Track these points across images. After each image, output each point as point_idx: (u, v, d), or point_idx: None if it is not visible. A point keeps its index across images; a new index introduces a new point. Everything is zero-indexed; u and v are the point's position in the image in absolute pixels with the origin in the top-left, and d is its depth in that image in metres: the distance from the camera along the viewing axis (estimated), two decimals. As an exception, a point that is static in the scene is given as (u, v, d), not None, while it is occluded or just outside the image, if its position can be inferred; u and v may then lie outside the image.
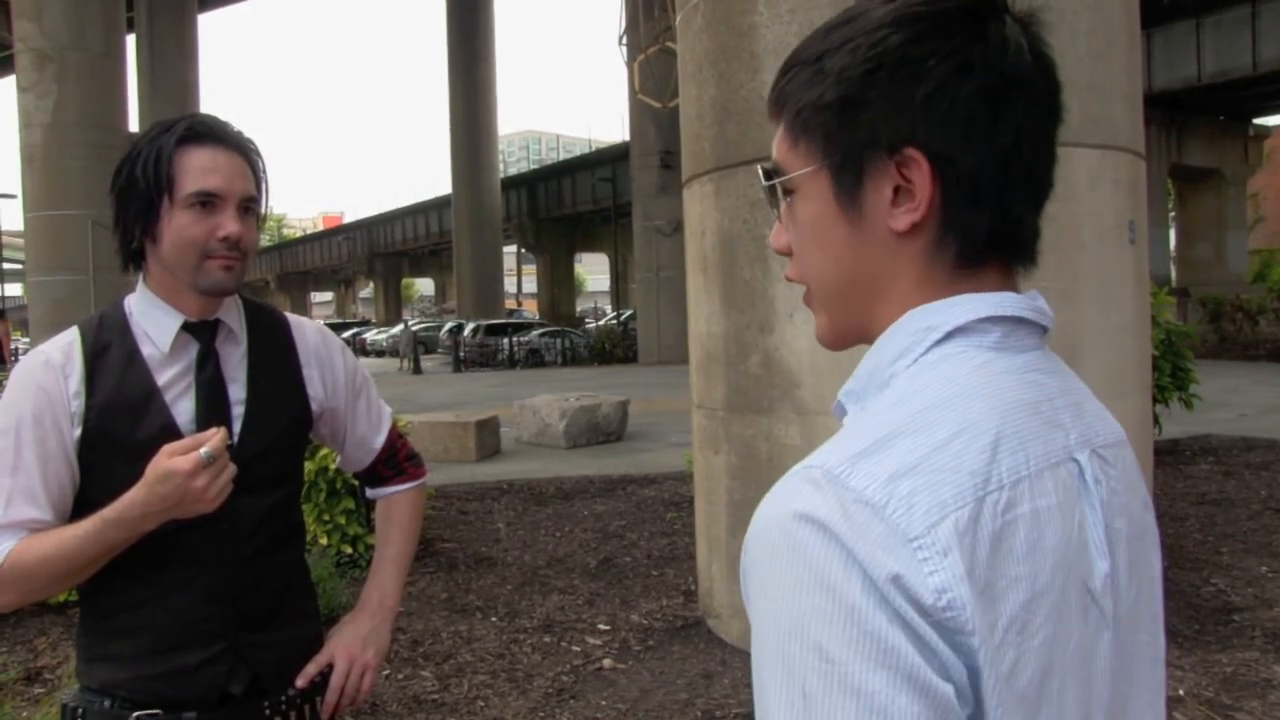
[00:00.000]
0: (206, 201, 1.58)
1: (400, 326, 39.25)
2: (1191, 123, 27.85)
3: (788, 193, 0.83)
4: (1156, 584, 0.84)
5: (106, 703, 1.62)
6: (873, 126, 0.76)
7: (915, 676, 0.62)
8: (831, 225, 0.80)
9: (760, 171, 0.86)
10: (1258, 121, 31.02)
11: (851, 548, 0.64)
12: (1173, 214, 31.52)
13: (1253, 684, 3.94)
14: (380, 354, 38.72)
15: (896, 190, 0.76)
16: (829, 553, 0.64)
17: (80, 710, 1.64)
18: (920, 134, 0.75)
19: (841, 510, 0.65)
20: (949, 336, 0.76)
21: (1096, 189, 4.15)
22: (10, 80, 24.76)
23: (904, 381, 0.76)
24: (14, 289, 55.83)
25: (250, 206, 1.64)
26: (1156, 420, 7.01)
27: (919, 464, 0.67)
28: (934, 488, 0.66)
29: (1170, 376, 8.04)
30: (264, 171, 1.69)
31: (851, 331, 0.84)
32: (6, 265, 41.34)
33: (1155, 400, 7.13)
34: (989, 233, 0.77)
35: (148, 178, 1.56)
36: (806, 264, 0.84)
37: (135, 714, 1.60)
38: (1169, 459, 8.70)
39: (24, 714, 3.76)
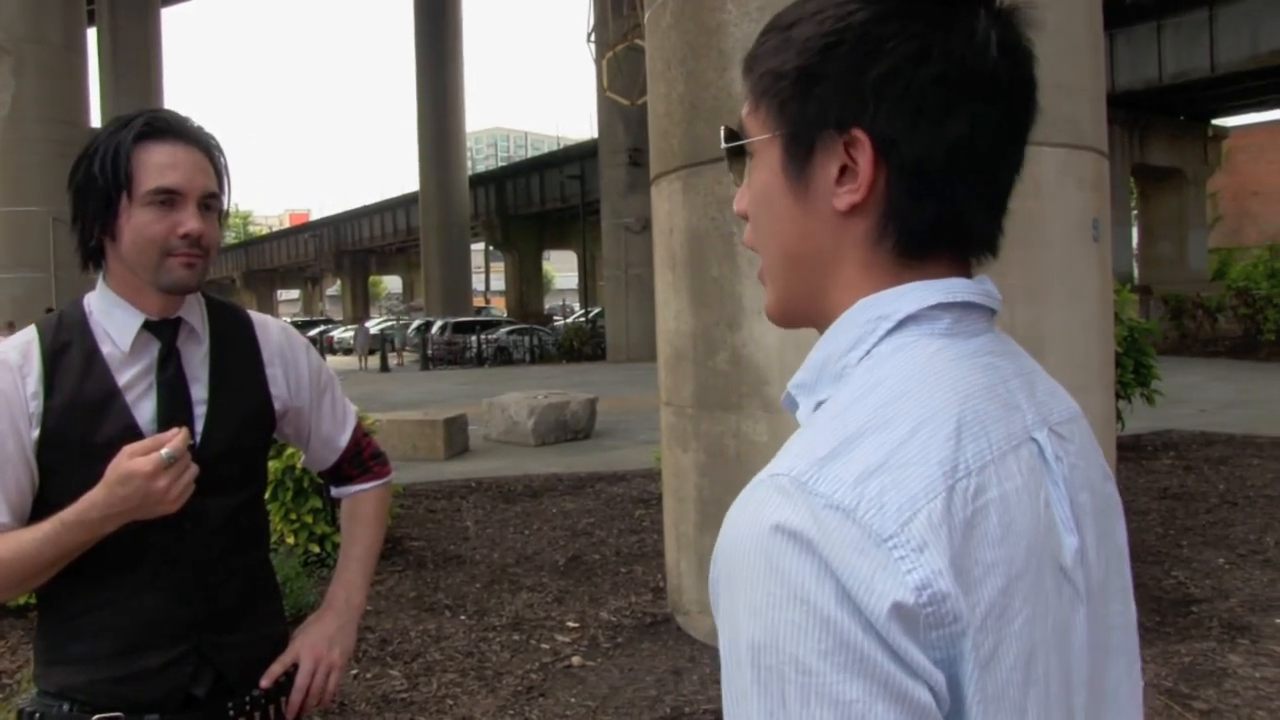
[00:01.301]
0: (166, 199, 1.55)
1: (357, 325, 39.38)
2: (1153, 123, 28.22)
3: (749, 156, 0.82)
4: (1124, 554, 0.85)
5: (66, 706, 1.60)
6: (824, 101, 0.75)
7: (891, 684, 0.62)
8: (779, 196, 0.79)
9: (722, 130, 0.85)
10: (1216, 122, 31.49)
11: (825, 557, 0.63)
12: (1135, 212, 31.89)
13: (1209, 673, 4.00)
14: (348, 351, 38.49)
15: (843, 170, 0.75)
16: (801, 563, 0.63)
17: (38, 715, 1.61)
18: (868, 116, 0.73)
19: (812, 518, 0.64)
20: (900, 325, 0.75)
21: (1062, 187, 4.19)
22: (-32, 74, 24.35)
23: (860, 375, 0.74)
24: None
25: (211, 203, 1.62)
26: (1119, 416, 7.09)
27: (885, 461, 0.66)
28: (902, 483, 0.66)
29: (1133, 373, 8.14)
30: (225, 167, 1.67)
31: (798, 309, 0.83)
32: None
33: (1118, 396, 7.22)
34: (932, 226, 0.75)
35: (106, 175, 1.54)
36: (758, 230, 0.83)
37: (95, 717, 1.58)
38: (1131, 454, 8.81)
39: (-17, 718, 3.71)
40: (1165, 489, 7.55)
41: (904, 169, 0.74)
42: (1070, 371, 4.15)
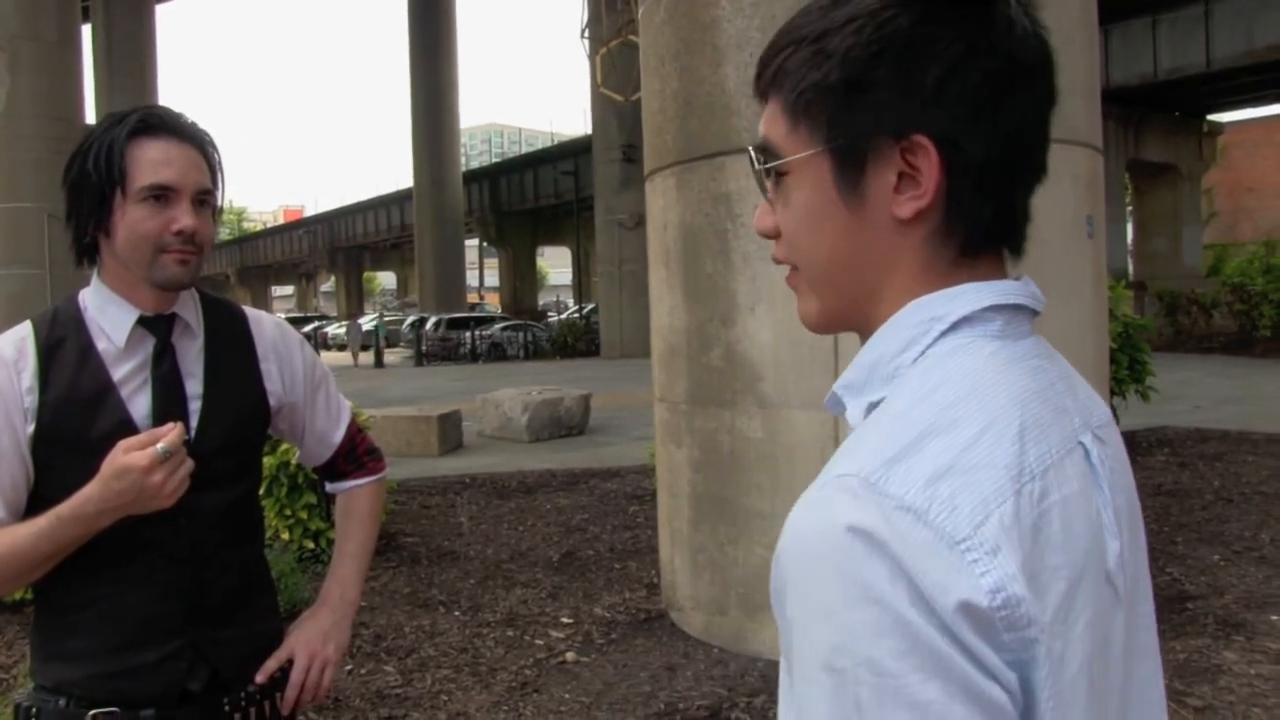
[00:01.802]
0: (160, 195, 1.56)
1: (349, 321, 39.48)
2: (1148, 118, 28.24)
3: (780, 175, 0.81)
4: (1146, 554, 0.85)
5: (62, 701, 1.60)
6: (878, 110, 0.74)
7: (969, 684, 0.61)
8: (829, 210, 0.78)
9: (751, 152, 0.83)
10: (1212, 118, 31.50)
11: (898, 557, 0.62)
12: (1130, 209, 31.94)
13: (1204, 670, 4.01)
14: (343, 347, 38.50)
15: (900, 177, 0.74)
16: (875, 564, 0.62)
17: (35, 710, 1.61)
18: (928, 119, 0.73)
19: (884, 519, 0.63)
20: (954, 327, 0.75)
21: (1056, 184, 4.18)
22: (-39, 70, 24.28)
23: (917, 376, 0.74)
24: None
25: (205, 199, 1.62)
26: (1114, 412, 7.10)
27: (954, 463, 0.66)
28: (973, 486, 0.65)
29: (1128, 369, 8.15)
30: (219, 163, 1.67)
31: (842, 316, 0.82)
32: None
33: (1113, 393, 7.23)
34: (991, 224, 0.76)
35: (100, 171, 1.54)
36: (798, 247, 0.81)
37: (92, 712, 1.58)
38: (1126, 450, 8.81)
39: (-22, 714, 3.70)
40: (1160, 485, 7.57)
41: (966, 169, 0.73)
42: (1064, 367, 4.16)
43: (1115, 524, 0.75)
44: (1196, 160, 30.55)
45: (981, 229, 0.76)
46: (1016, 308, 0.77)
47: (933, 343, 0.75)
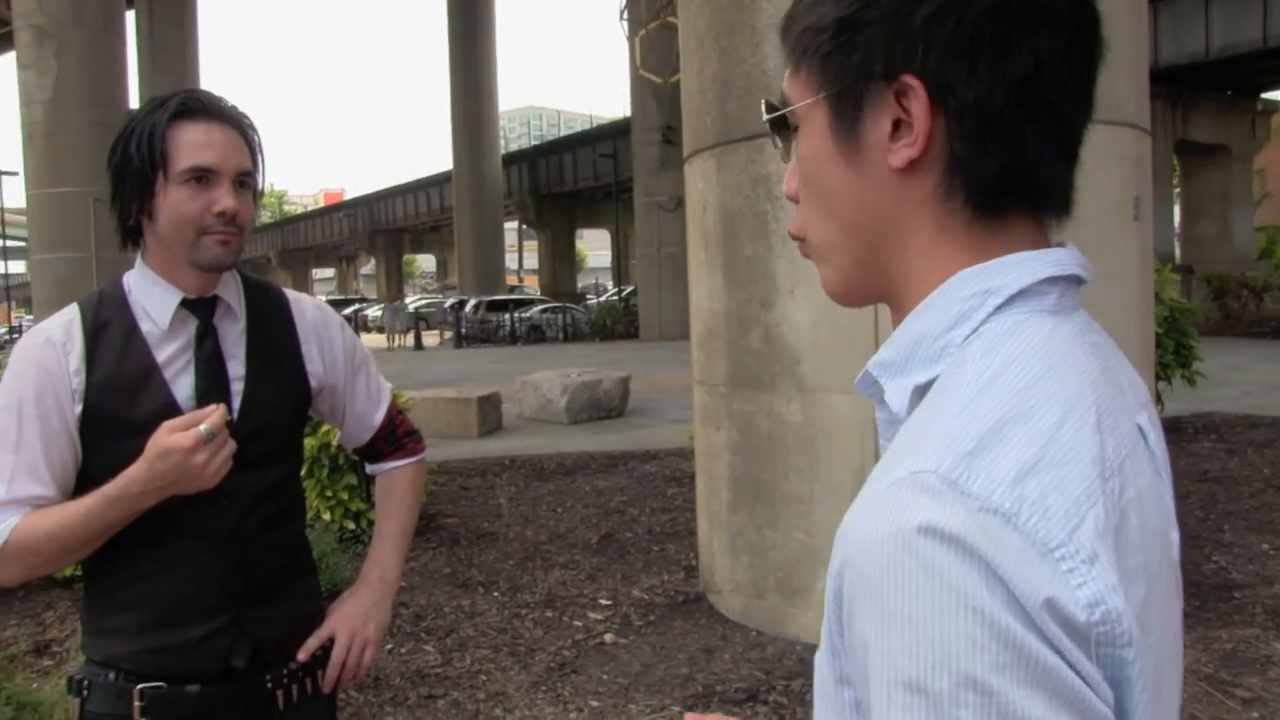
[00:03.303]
0: (201, 177, 1.57)
1: (385, 304, 39.26)
2: (1198, 98, 27.64)
3: (796, 131, 0.76)
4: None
5: (111, 675, 1.64)
6: (869, 50, 0.68)
7: (1076, 699, 0.56)
8: (830, 163, 0.73)
9: (763, 105, 0.79)
10: (1266, 96, 30.80)
11: (992, 563, 0.56)
12: (1177, 190, 31.37)
13: (1252, 660, 3.95)
14: (382, 330, 38.76)
15: (896, 124, 0.69)
16: (968, 570, 0.56)
17: (86, 682, 1.65)
18: (919, 59, 0.67)
19: (972, 520, 0.57)
20: (1010, 301, 0.68)
21: (1101, 165, 4.13)
22: (10, 57, 24.67)
23: (977, 357, 0.66)
24: (17, 266, 55.77)
25: (246, 181, 1.63)
26: (1159, 398, 7.01)
27: (1040, 458, 0.59)
28: (1063, 484, 0.59)
29: (1173, 354, 8.04)
30: (259, 145, 1.68)
31: (863, 285, 0.76)
32: (10, 243, 41.31)
33: (1158, 378, 7.14)
34: (999, 177, 0.68)
35: (142, 155, 1.56)
36: (810, 207, 0.76)
37: (139, 686, 1.61)
38: (1171, 436, 8.70)
39: (34, 685, 3.78)
40: (1206, 472, 7.46)
41: (963, 115, 0.67)
42: (1109, 351, 4.11)
43: (1173, 510, 0.71)
44: (1248, 140, 29.86)
45: (986, 183, 0.69)
46: (1069, 279, 0.70)
47: (987, 318, 0.68)
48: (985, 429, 0.61)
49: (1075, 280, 0.71)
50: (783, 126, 0.78)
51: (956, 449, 0.60)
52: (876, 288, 0.76)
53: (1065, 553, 0.57)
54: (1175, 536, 0.70)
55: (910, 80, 0.67)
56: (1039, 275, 0.69)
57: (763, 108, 0.79)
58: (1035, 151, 0.69)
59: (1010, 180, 0.69)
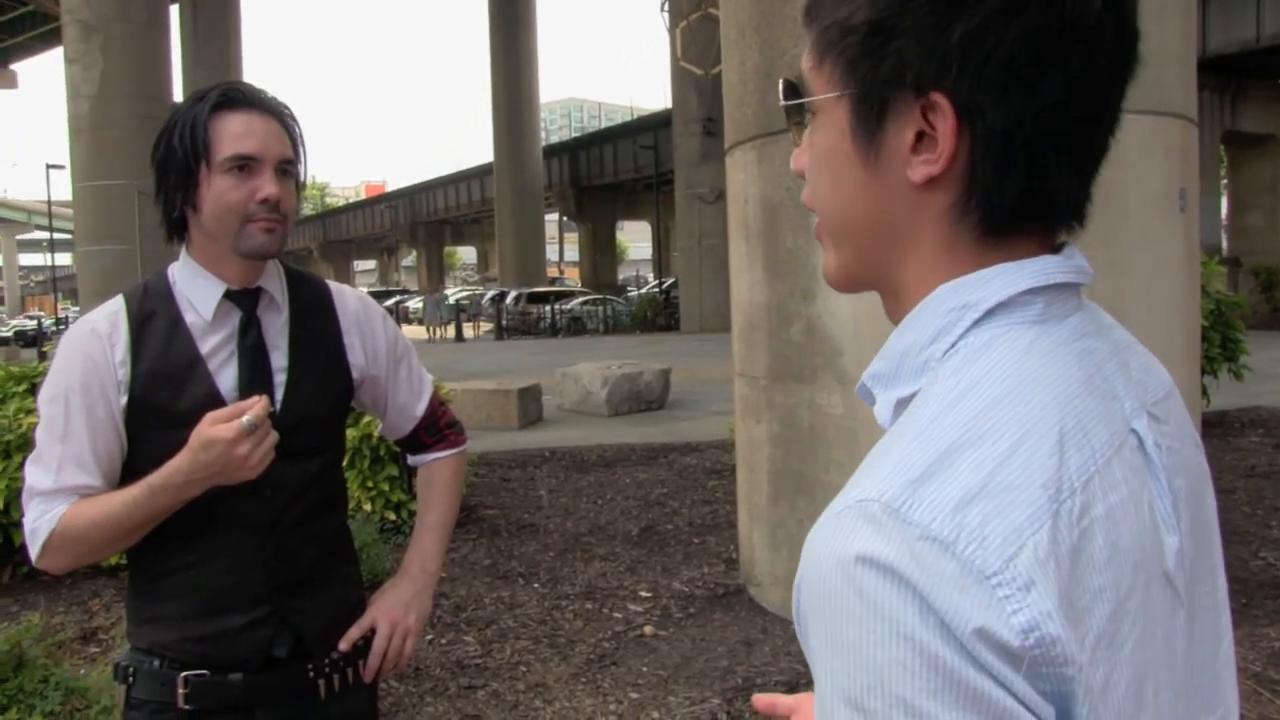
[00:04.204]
0: (244, 165, 1.59)
1: (425, 296, 38.99)
2: (1246, 88, 27.09)
3: (813, 113, 0.75)
4: (1214, 528, 0.78)
5: (156, 663, 1.66)
6: (901, 60, 0.66)
7: (1008, 718, 0.57)
8: (845, 162, 0.71)
9: (781, 85, 0.77)
10: (1317, 85, 30.16)
11: (925, 593, 0.57)
12: (1225, 181, 30.82)
13: (1302, 658, 3.88)
14: (422, 321, 39.01)
15: (920, 136, 0.67)
16: (901, 600, 0.57)
17: (132, 669, 1.67)
18: (951, 78, 0.64)
19: (908, 550, 0.58)
20: (988, 315, 0.67)
21: (1147, 156, 4.07)
22: (58, 52, 25.05)
23: (947, 375, 0.67)
24: (64, 259, 56.70)
25: (288, 169, 1.65)
26: (1205, 392, 6.90)
27: (985, 484, 0.60)
28: (1005, 511, 0.59)
29: (1219, 347, 7.91)
30: (300, 135, 1.70)
31: (862, 277, 0.76)
32: (57, 235, 41.99)
33: (1204, 371, 7.02)
34: (1017, 201, 0.67)
35: (185, 146, 1.58)
36: (818, 194, 0.75)
37: (183, 674, 1.64)
38: (1217, 431, 8.56)
39: (81, 671, 3.85)
40: (1253, 467, 7.33)
41: (990, 139, 0.65)
42: (1152, 345, 3.99)
43: (1173, 515, 0.70)
44: (1298, 130, 29.29)
45: (1004, 209, 0.68)
46: (1060, 286, 0.69)
47: (964, 333, 0.68)
48: (935, 456, 0.62)
49: (1068, 286, 0.70)
50: (799, 107, 0.77)
51: (904, 476, 0.61)
52: (875, 283, 0.76)
53: (1001, 580, 0.58)
54: (1173, 541, 0.69)
55: (939, 98, 0.66)
56: (1018, 287, 0.68)
57: (780, 88, 0.78)
58: (1055, 177, 0.68)
59: (1025, 204, 0.68)
